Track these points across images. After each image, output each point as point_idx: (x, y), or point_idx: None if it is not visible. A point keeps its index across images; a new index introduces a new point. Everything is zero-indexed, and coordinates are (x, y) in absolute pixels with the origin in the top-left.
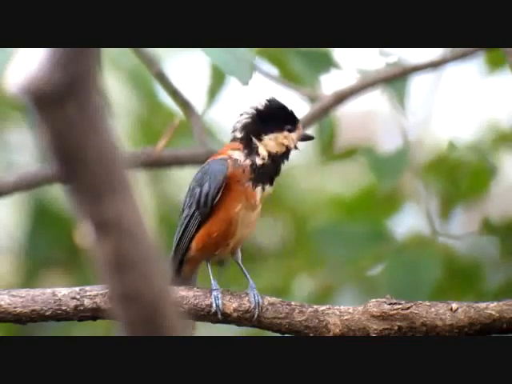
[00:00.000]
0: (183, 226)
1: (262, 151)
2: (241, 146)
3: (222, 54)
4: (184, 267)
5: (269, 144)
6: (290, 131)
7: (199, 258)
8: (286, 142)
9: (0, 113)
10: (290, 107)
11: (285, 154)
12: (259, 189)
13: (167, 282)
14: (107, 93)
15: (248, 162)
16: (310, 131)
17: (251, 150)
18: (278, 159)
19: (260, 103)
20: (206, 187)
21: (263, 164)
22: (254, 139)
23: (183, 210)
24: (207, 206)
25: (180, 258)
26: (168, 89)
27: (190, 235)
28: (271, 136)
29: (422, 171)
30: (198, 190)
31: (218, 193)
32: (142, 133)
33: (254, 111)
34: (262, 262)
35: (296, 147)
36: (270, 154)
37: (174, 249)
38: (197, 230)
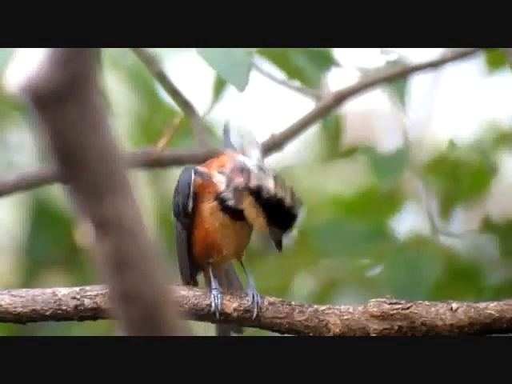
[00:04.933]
0: (175, 237)
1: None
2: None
3: (219, 58)
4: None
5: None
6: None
7: (202, 261)
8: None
9: (0, 113)
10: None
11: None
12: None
13: (167, 281)
14: (107, 93)
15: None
16: (312, 130)
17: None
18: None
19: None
20: (177, 197)
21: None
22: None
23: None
24: (185, 216)
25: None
26: (168, 88)
27: (184, 243)
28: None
29: (422, 170)
30: (175, 199)
31: (187, 202)
32: (142, 132)
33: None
34: (262, 261)
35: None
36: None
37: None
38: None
